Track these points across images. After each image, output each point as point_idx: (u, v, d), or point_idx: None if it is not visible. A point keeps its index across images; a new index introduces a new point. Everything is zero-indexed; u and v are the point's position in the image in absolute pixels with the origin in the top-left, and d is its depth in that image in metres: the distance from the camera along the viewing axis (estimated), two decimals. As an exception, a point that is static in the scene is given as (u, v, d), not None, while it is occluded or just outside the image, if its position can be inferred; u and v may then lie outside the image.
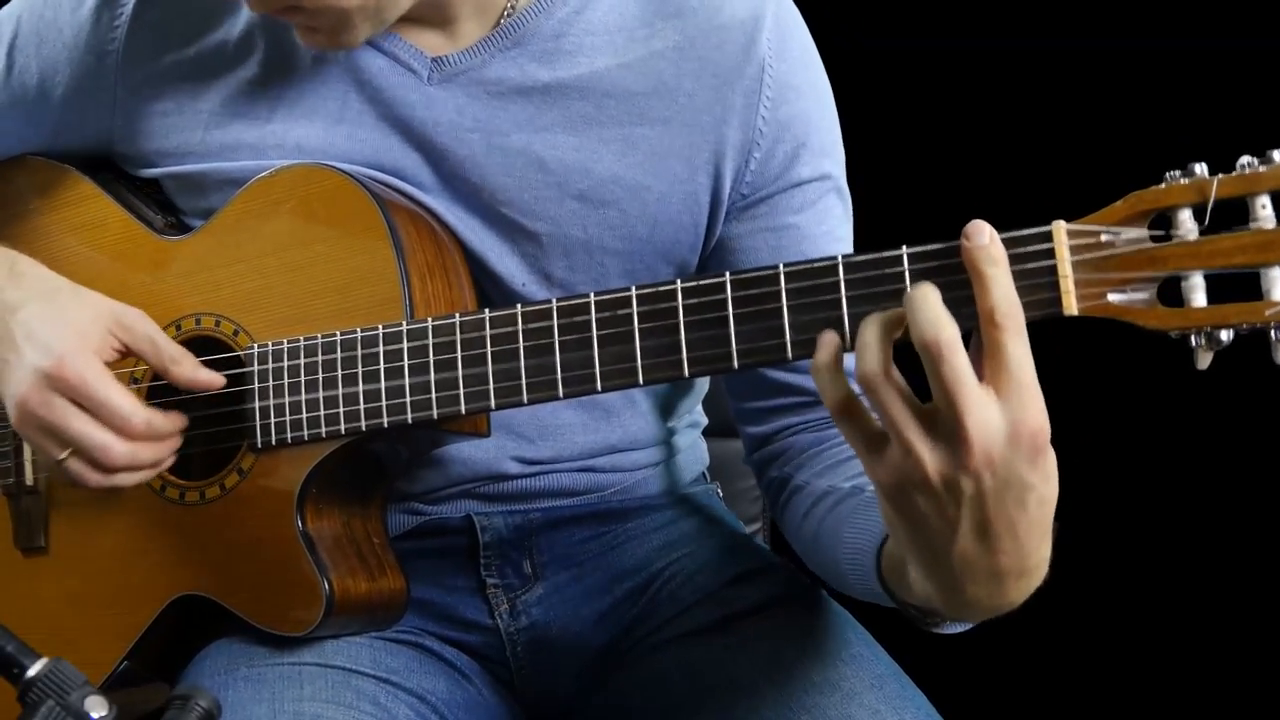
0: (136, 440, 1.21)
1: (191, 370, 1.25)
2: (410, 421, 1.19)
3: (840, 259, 1.05)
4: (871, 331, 0.97)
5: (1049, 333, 1.01)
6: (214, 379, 1.25)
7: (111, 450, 1.20)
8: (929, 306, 0.92)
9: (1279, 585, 2.08)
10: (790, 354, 1.05)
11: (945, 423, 0.92)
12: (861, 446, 0.97)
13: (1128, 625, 2.15)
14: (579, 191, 1.28)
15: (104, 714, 0.92)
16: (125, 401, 1.21)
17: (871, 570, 1.10)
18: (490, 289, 1.31)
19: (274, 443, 1.24)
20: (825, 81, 1.36)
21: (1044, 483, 0.93)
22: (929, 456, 0.93)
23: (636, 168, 1.28)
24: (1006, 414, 0.91)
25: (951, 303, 0.94)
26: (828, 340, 0.99)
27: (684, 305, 1.10)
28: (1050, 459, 0.94)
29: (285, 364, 1.24)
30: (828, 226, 1.33)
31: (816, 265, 1.06)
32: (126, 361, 1.28)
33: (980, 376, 0.92)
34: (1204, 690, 2.11)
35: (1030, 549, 0.96)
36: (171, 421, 1.24)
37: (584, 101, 1.28)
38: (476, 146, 1.28)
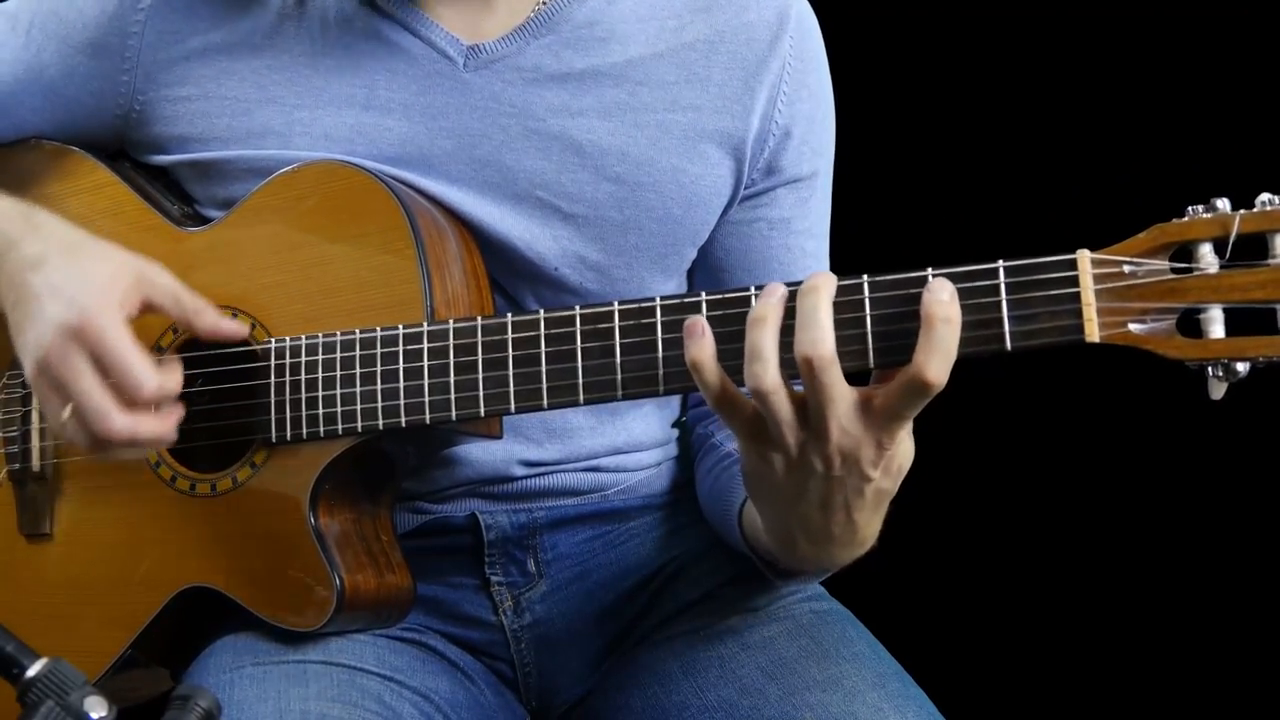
0: (147, 402, 1.18)
1: (214, 321, 1.25)
2: (428, 422, 1.20)
3: (866, 279, 1.07)
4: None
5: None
6: (238, 329, 1.25)
7: (112, 418, 1.17)
8: (817, 324, 1.02)
9: (1275, 590, 2.12)
10: None
11: (815, 420, 1.04)
12: (742, 430, 1.08)
13: (1126, 626, 2.17)
14: (616, 175, 1.31)
15: (104, 714, 0.92)
16: (140, 364, 1.18)
17: (735, 524, 1.27)
18: (522, 274, 1.33)
19: (289, 438, 1.24)
20: (830, 84, 1.42)
21: (886, 479, 1.08)
22: (795, 443, 1.05)
23: (671, 152, 1.32)
24: (872, 433, 1.04)
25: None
26: (699, 331, 1.06)
27: (708, 317, 1.11)
28: (899, 462, 1.07)
29: (303, 360, 1.24)
30: (810, 223, 1.41)
31: (842, 283, 1.08)
32: (151, 329, 1.27)
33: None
34: (1203, 690, 2.14)
35: (860, 526, 1.11)
36: (176, 375, 1.21)
37: (618, 89, 1.31)
38: (513, 131, 1.30)
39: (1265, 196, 1.01)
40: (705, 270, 1.41)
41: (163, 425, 1.21)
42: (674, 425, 1.47)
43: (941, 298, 1.01)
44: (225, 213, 1.32)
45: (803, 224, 1.40)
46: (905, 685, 1.27)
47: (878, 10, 2.04)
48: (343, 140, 1.30)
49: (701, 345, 1.06)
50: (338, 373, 1.23)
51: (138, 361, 1.18)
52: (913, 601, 1.98)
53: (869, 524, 1.12)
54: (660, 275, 1.37)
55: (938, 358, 1.00)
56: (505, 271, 1.33)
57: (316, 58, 1.31)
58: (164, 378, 1.20)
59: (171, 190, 1.37)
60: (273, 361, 1.25)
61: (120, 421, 1.18)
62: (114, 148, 1.39)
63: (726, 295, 1.11)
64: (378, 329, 1.21)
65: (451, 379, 1.19)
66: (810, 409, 1.04)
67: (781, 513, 1.14)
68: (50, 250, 1.22)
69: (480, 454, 1.34)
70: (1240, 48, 1.98)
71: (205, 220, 1.34)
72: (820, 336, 1.02)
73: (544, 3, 1.32)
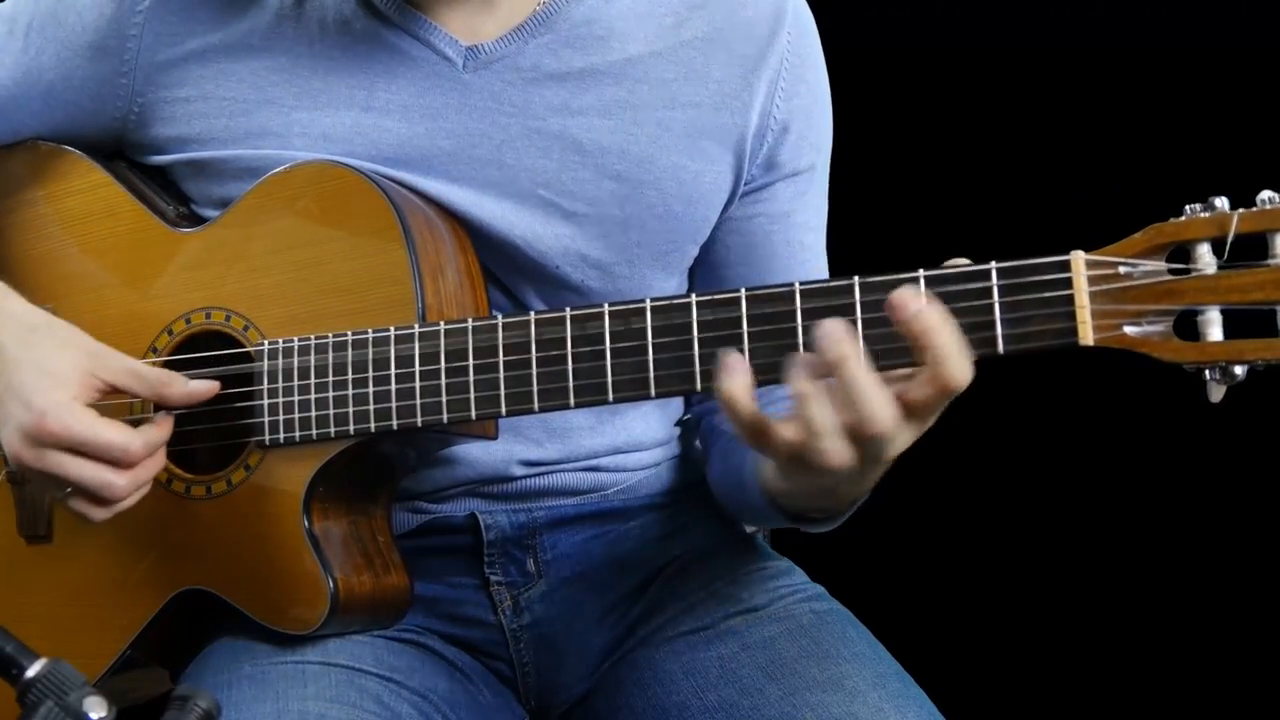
0: (139, 465, 1.21)
1: (184, 387, 1.24)
2: (420, 425, 1.19)
3: (857, 280, 1.05)
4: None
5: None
6: (210, 387, 1.25)
7: (114, 487, 1.20)
8: (869, 398, 1.00)
9: (1275, 591, 2.11)
10: None
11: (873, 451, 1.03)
12: (781, 456, 1.05)
13: (1125, 627, 2.17)
14: (616, 172, 1.30)
15: (103, 715, 0.92)
16: (118, 435, 1.19)
17: (758, 492, 1.24)
18: (525, 272, 1.32)
19: (282, 441, 1.24)
20: (827, 80, 1.41)
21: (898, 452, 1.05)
22: (838, 447, 1.03)
23: (672, 149, 1.31)
24: (915, 430, 1.03)
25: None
26: (735, 365, 1.03)
27: (698, 320, 1.10)
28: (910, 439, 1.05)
29: (295, 362, 1.23)
30: (807, 216, 1.41)
31: (832, 285, 1.06)
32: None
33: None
34: (1203, 691, 2.13)
35: (872, 485, 1.15)
36: (165, 427, 1.24)
37: (617, 87, 1.31)
38: (514, 130, 1.30)
39: (1266, 194, 0.99)
40: (706, 266, 1.40)
41: (159, 462, 1.24)
42: (676, 424, 1.46)
43: (916, 317, 0.98)
44: (219, 213, 1.31)
45: (801, 217, 1.39)
46: (905, 685, 1.26)
47: (874, 9, 2.02)
48: (342, 141, 1.29)
49: (734, 377, 1.02)
50: (330, 375, 1.22)
51: (113, 434, 1.19)
52: (913, 601, 1.98)
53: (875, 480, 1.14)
54: (662, 273, 1.36)
55: (954, 361, 0.98)
56: (508, 270, 1.33)
57: (315, 59, 1.31)
58: (148, 434, 1.22)
59: (167, 190, 1.37)
60: (265, 364, 1.25)
61: (123, 482, 1.21)
62: (111, 149, 1.39)
63: (716, 297, 1.10)
64: (369, 331, 1.21)
65: (443, 381, 1.18)
66: (869, 448, 1.02)
67: (816, 490, 1.15)
68: (5, 340, 1.23)
69: (480, 454, 1.33)
70: (1240, 44, 1.95)
71: (200, 220, 1.34)
72: (878, 411, 1.00)
73: (542, 2, 1.32)
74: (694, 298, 1.10)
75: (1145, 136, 2.01)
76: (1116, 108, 2.04)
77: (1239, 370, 0.98)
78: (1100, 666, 2.18)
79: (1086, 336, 1.00)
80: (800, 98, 1.35)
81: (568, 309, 1.14)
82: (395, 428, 1.20)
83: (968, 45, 2.10)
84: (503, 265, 1.32)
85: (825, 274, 1.41)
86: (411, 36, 1.31)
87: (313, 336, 1.23)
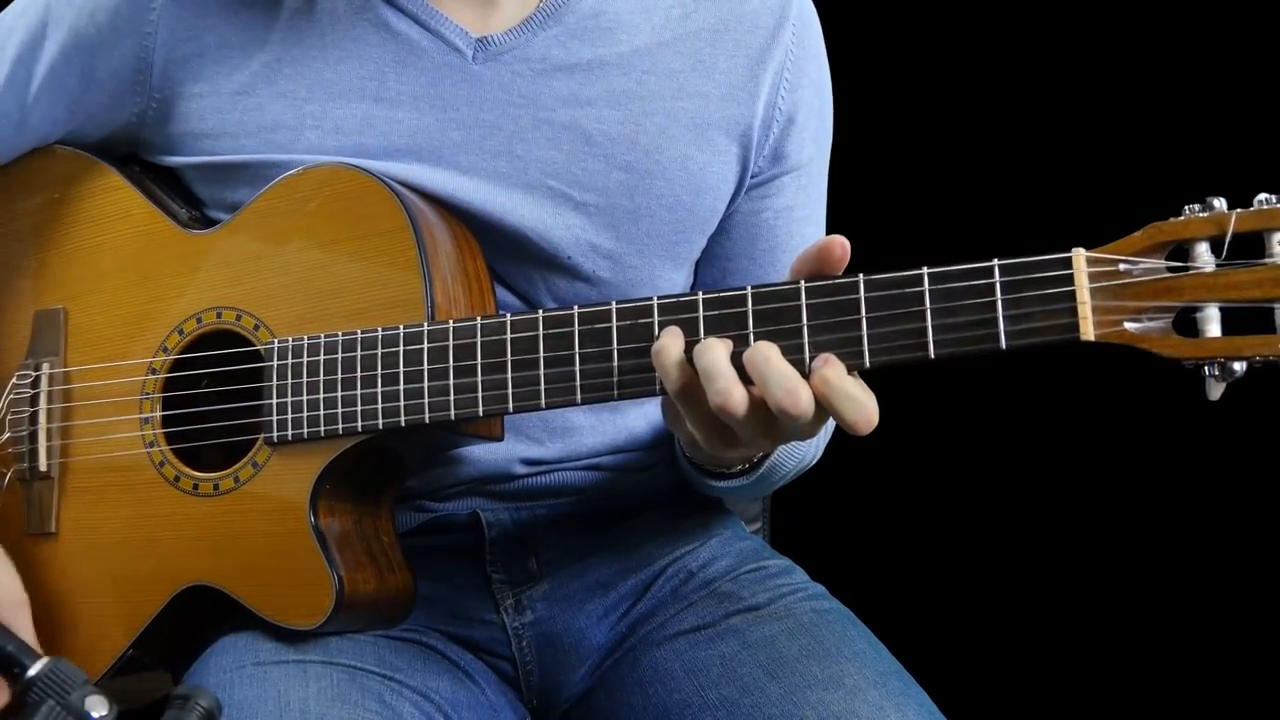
0: None
1: None
2: (428, 422, 1.20)
3: (861, 278, 1.07)
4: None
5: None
6: None
7: None
8: (772, 367, 1.06)
9: (1274, 590, 2.12)
10: (807, 369, 1.07)
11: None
12: (698, 419, 1.11)
13: (1125, 625, 2.18)
14: (625, 163, 1.32)
15: (104, 713, 0.92)
16: None
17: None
18: (536, 263, 1.34)
19: (290, 438, 1.25)
20: (828, 72, 1.45)
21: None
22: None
23: (680, 140, 1.34)
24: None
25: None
26: (676, 332, 1.10)
27: (705, 318, 1.11)
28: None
29: (304, 360, 1.25)
30: (809, 209, 1.44)
31: (837, 283, 1.08)
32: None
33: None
34: (1203, 691, 2.14)
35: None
36: None
37: (626, 77, 1.33)
38: (524, 121, 1.32)
39: (1262, 196, 1.01)
40: (709, 258, 1.42)
41: None
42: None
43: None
44: (231, 215, 1.32)
45: (803, 210, 1.42)
46: (906, 684, 1.27)
47: (875, 6, 2.04)
48: (353, 133, 1.31)
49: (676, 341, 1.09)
50: (339, 373, 1.23)
51: None
52: (913, 601, 1.98)
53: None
54: (671, 264, 1.38)
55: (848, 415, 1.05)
56: (518, 261, 1.34)
57: (326, 51, 1.33)
58: None
59: (180, 194, 1.38)
60: (275, 361, 1.26)
61: None
62: (126, 150, 1.41)
63: (721, 295, 1.11)
64: (378, 329, 1.22)
65: (450, 380, 1.19)
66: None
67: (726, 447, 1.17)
68: None
69: (482, 453, 1.35)
70: (1239, 46, 1.98)
71: (212, 223, 1.35)
72: (791, 386, 1.05)
73: None
74: (700, 295, 1.12)
75: (1145, 137, 2.03)
76: (1117, 108, 2.05)
77: (1237, 366, 1.00)
78: (1100, 665, 2.18)
79: (1088, 332, 1.01)
80: (804, 89, 1.38)
81: (575, 307, 1.16)
82: (403, 425, 1.21)
83: (969, 43, 2.12)
84: (513, 256, 1.34)
85: None
86: (422, 27, 1.32)
87: (321, 335, 1.24)
